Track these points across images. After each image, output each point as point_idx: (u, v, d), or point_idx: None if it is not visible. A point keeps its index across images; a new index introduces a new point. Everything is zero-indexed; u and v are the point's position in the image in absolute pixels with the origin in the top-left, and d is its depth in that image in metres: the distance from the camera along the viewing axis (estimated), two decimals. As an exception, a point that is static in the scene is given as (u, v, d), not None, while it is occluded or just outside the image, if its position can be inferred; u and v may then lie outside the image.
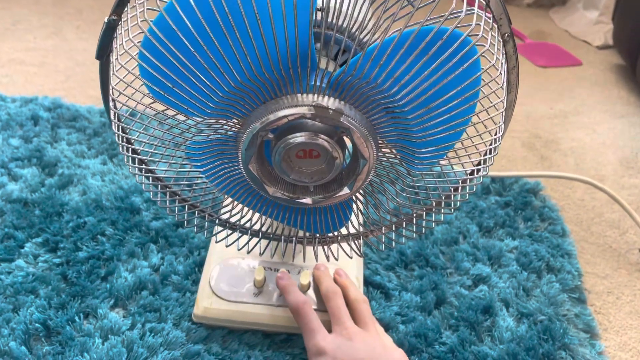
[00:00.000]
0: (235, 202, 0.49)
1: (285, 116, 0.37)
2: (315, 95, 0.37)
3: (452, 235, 0.70)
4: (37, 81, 0.96)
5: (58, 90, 0.95)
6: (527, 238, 0.71)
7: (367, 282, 0.62)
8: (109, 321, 0.54)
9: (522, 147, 0.93)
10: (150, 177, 0.48)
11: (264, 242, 0.55)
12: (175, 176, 0.48)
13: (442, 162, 0.46)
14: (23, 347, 0.51)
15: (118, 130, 0.43)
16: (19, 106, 0.85)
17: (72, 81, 0.98)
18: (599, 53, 1.30)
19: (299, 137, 0.38)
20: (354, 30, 0.41)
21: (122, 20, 0.38)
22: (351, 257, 0.56)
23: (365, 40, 0.41)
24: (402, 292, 0.62)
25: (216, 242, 0.53)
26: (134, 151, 0.46)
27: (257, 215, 0.52)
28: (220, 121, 0.40)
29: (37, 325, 0.53)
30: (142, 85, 0.38)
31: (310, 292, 0.56)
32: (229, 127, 0.41)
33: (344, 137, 0.40)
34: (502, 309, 0.61)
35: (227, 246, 0.52)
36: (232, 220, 0.52)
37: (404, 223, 0.52)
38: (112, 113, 0.42)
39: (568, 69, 1.22)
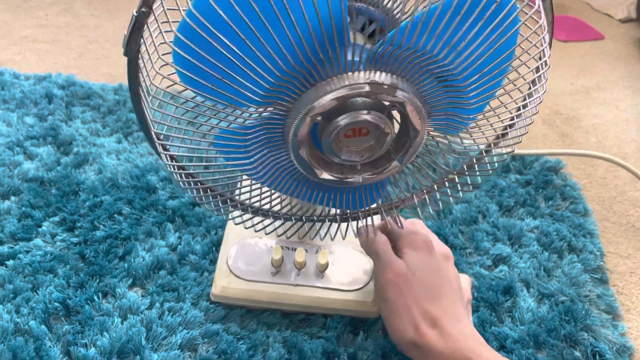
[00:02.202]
0: (254, 184, 0.48)
1: (340, 97, 0.35)
2: (367, 72, 0.36)
3: (472, 215, 0.68)
4: (50, 59, 0.96)
5: (71, 67, 0.94)
6: (548, 217, 0.70)
7: (386, 262, 0.62)
8: (128, 300, 0.54)
9: (542, 124, 0.91)
10: (192, 181, 0.46)
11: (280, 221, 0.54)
12: (209, 171, 0.46)
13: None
14: (43, 326, 0.51)
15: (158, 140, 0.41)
16: (33, 84, 0.84)
17: (84, 58, 0.97)
18: (622, 26, 1.26)
19: (350, 117, 0.37)
20: (388, 5, 0.40)
21: (155, 12, 0.35)
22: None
23: (397, 14, 0.40)
24: (421, 272, 0.61)
25: (235, 224, 0.52)
26: (173, 158, 0.44)
27: (275, 196, 0.51)
28: (268, 109, 0.38)
29: (56, 304, 0.53)
30: (174, 72, 0.36)
31: (329, 271, 0.56)
32: (278, 115, 0.39)
33: (392, 111, 0.39)
34: (522, 290, 0.60)
35: (246, 228, 0.52)
36: (251, 201, 0.51)
37: (446, 182, 0.51)
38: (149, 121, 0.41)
39: (589, 43, 1.19)
